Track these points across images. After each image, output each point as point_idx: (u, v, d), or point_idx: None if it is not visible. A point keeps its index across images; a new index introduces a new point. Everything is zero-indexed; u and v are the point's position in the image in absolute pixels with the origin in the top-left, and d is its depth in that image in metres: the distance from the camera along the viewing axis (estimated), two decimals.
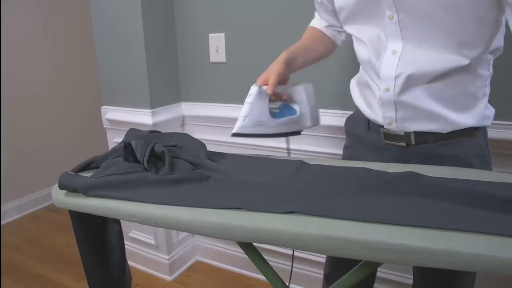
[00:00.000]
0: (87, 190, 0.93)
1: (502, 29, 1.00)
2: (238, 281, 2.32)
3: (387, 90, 1.04)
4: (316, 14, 1.37)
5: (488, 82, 1.07)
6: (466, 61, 0.97)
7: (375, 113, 1.13)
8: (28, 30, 3.23)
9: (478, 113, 1.05)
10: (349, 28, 1.16)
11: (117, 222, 1.14)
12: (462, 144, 1.07)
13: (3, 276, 2.47)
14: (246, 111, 1.12)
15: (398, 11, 0.97)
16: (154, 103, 2.12)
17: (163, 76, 2.18)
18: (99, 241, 1.12)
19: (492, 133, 1.15)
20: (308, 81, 1.26)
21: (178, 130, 2.27)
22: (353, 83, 1.29)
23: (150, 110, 2.10)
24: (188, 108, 2.29)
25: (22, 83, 3.23)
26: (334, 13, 1.22)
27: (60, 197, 0.97)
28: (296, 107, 1.23)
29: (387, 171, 0.98)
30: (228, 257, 2.40)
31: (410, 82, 1.01)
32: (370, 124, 1.19)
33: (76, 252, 1.10)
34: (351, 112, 1.33)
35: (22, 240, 2.93)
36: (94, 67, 2.47)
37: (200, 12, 2.10)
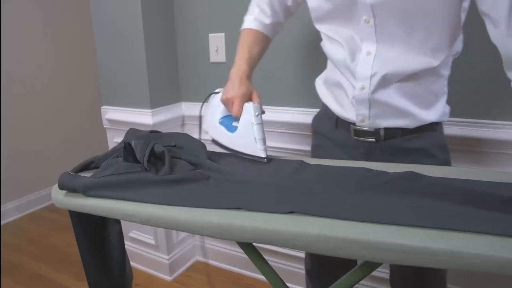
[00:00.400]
0: (87, 190, 0.93)
1: (462, 33, 1.10)
2: (238, 281, 2.32)
3: (363, 88, 1.08)
4: (255, 12, 1.33)
5: (447, 82, 1.15)
6: (435, 63, 1.04)
7: (347, 111, 1.17)
8: (28, 30, 3.23)
9: (439, 110, 1.13)
10: (320, 27, 1.19)
11: (117, 222, 1.14)
12: (425, 138, 1.14)
13: (3, 276, 2.47)
14: (262, 133, 1.11)
15: (375, 16, 1.01)
16: (154, 103, 2.12)
17: (163, 76, 2.18)
18: (99, 241, 1.12)
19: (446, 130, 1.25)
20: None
21: (178, 130, 2.27)
22: (319, 82, 1.32)
23: (150, 110, 2.10)
24: (188, 108, 2.29)
25: (22, 83, 3.23)
26: (288, 10, 1.31)
27: (60, 197, 0.97)
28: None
29: (387, 171, 0.98)
30: (228, 257, 2.40)
31: (384, 81, 1.06)
32: (338, 122, 1.23)
33: (76, 252, 1.10)
34: (316, 110, 1.37)
35: (22, 240, 2.93)
36: (94, 67, 2.47)
37: (200, 12, 2.10)
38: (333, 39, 1.14)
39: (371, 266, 0.84)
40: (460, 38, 1.11)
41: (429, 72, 1.07)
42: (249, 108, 1.10)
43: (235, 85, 1.16)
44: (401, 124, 1.11)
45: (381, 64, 1.05)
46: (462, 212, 0.75)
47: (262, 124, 1.10)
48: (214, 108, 1.22)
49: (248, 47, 1.28)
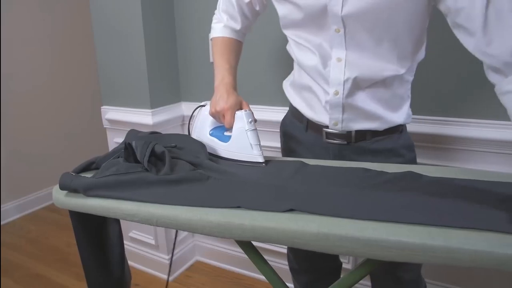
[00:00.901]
0: (87, 190, 0.93)
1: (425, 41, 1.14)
2: (238, 281, 2.33)
3: (336, 93, 1.12)
4: (224, 19, 1.33)
5: (410, 86, 1.19)
6: (402, 71, 1.10)
7: (318, 114, 1.20)
8: (28, 30, 3.23)
9: (405, 112, 1.19)
10: (288, 33, 1.21)
11: (117, 222, 1.14)
12: (393, 139, 1.20)
13: (3, 276, 2.47)
14: (257, 138, 1.12)
15: (345, 26, 1.04)
16: (154, 103, 2.12)
17: (163, 76, 2.19)
18: (99, 241, 1.12)
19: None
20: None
21: (178, 130, 2.28)
22: (286, 85, 1.35)
23: (150, 110, 2.10)
24: (188, 108, 2.29)
25: (22, 83, 3.23)
26: (256, 13, 1.34)
27: (60, 197, 0.97)
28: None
29: (386, 171, 0.98)
30: (228, 257, 2.40)
31: (356, 85, 1.10)
32: (309, 125, 1.26)
33: (76, 252, 1.10)
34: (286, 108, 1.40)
35: (22, 240, 2.93)
36: (94, 67, 2.47)
37: (200, 12, 2.11)
38: (303, 46, 1.16)
39: (371, 265, 0.84)
40: (424, 46, 1.15)
41: (396, 78, 1.12)
42: (242, 116, 1.12)
43: (223, 96, 1.16)
44: (371, 127, 1.16)
45: (352, 69, 1.08)
46: (460, 209, 0.75)
47: (256, 130, 1.12)
48: (202, 121, 1.24)
49: (226, 56, 1.29)
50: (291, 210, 0.80)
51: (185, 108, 2.30)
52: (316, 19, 1.07)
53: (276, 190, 0.90)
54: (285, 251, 2.10)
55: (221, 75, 1.24)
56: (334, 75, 1.10)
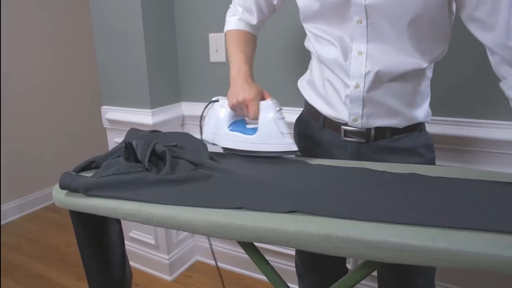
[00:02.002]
0: (88, 190, 0.93)
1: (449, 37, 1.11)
2: (238, 281, 2.32)
3: (357, 87, 1.09)
4: (239, 12, 1.30)
5: (429, 83, 1.18)
6: (424, 65, 1.07)
7: (338, 111, 1.16)
8: (28, 30, 3.23)
9: (425, 110, 1.17)
10: (308, 26, 1.18)
11: (117, 222, 1.14)
12: (412, 138, 1.17)
13: (3, 276, 2.46)
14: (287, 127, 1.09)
15: (368, 17, 1.02)
16: (154, 103, 2.12)
17: (163, 76, 2.19)
18: (100, 241, 1.12)
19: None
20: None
21: (178, 130, 2.28)
22: (302, 84, 1.32)
23: (150, 110, 2.10)
24: (188, 108, 2.29)
25: (22, 83, 3.23)
26: (273, 8, 1.31)
27: (61, 197, 0.97)
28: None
29: (389, 171, 0.98)
30: (228, 257, 2.40)
31: (378, 79, 1.07)
32: (325, 123, 1.23)
33: (76, 252, 1.10)
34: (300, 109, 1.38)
35: (22, 240, 2.93)
36: (94, 67, 2.47)
37: (200, 12, 2.10)
38: (323, 38, 1.13)
39: (371, 266, 0.84)
40: (447, 41, 1.12)
41: (418, 73, 1.10)
42: (269, 105, 1.09)
43: (244, 87, 1.12)
44: (391, 124, 1.13)
45: (374, 62, 1.06)
46: (463, 210, 0.75)
47: (284, 118, 1.09)
48: (217, 117, 1.18)
49: (241, 48, 1.26)
50: (292, 211, 0.80)
51: (185, 108, 2.30)
52: (338, 9, 1.05)
53: (278, 190, 0.90)
54: (286, 251, 2.11)
55: (237, 66, 1.19)
56: (355, 68, 1.08)
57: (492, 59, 0.99)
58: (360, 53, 1.06)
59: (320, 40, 1.15)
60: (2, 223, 3.15)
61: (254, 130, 1.11)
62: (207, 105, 1.22)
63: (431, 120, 1.23)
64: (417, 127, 1.18)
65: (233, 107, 1.14)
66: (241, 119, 1.17)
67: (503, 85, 0.98)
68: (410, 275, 1.25)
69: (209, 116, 1.21)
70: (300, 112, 1.39)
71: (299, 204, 0.81)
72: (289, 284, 1.02)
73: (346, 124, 1.16)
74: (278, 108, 1.09)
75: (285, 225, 0.75)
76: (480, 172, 0.98)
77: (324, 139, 1.24)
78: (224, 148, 1.17)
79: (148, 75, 2.07)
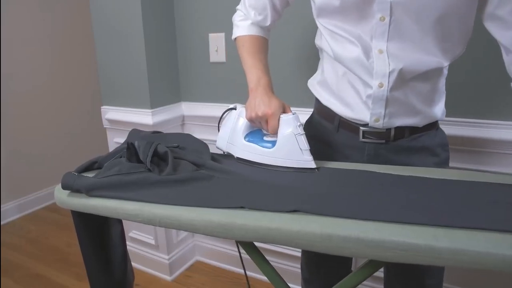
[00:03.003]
0: (90, 191, 0.93)
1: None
2: (238, 281, 2.33)
3: (381, 86, 1.06)
4: (251, 15, 1.26)
5: (445, 81, 1.16)
6: (445, 64, 1.06)
7: (356, 112, 1.13)
8: (28, 30, 3.23)
9: (442, 107, 1.16)
10: (324, 23, 1.14)
11: (119, 222, 1.14)
12: (429, 137, 1.16)
13: (3, 276, 2.46)
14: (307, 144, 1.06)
15: (392, 14, 0.99)
16: (154, 103, 2.12)
17: (163, 76, 2.19)
18: (101, 241, 1.12)
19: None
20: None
21: (178, 130, 2.28)
22: (313, 83, 1.28)
23: (150, 110, 2.10)
24: (188, 108, 2.29)
25: (22, 83, 3.23)
26: (287, 4, 1.27)
27: (63, 197, 0.97)
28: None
29: (391, 173, 0.98)
30: (228, 257, 2.40)
31: (401, 77, 1.05)
32: (341, 124, 1.19)
33: (76, 252, 1.11)
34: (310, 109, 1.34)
35: (22, 240, 2.93)
36: (94, 67, 2.47)
37: (200, 12, 2.10)
38: (340, 36, 1.10)
39: (374, 266, 0.84)
40: (468, 40, 1.09)
41: (437, 72, 1.08)
42: (289, 120, 1.05)
43: (264, 100, 1.08)
44: (411, 123, 1.11)
45: (396, 61, 1.03)
46: (465, 210, 0.75)
47: (304, 134, 1.05)
48: (235, 126, 1.15)
49: (258, 56, 1.22)
50: (294, 211, 0.80)
51: (185, 108, 2.30)
52: (360, 6, 1.01)
53: (279, 190, 0.90)
54: (287, 252, 2.11)
55: (257, 77, 1.15)
56: (378, 67, 1.04)
57: (507, 59, 0.98)
58: (380, 51, 1.04)
59: (337, 38, 1.11)
60: (2, 223, 3.15)
61: (272, 143, 1.08)
62: (224, 112, 1.20)
63: (444, 120, 1.22)
64: (434, 125, 1.17)
65: (251, 120, 1.11)
66: (258, 129, 1.14)
67: None
68: (417, 275, 1.23)
69: (225, 124, 1.18)
70: (311, 112, 1.35)
71: (301, 204, 0.81)
72: (289, 285, 1.02)
73: (365, 125, 1.13)
74: (298, 123, 1.05)
75: (287, 225, 0.76)
76: (481, 174, 0.98)
77: (338, 140, 1.21)
78: (238, 158, 1.13)
79: (148, 75, 2.07)
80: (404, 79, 1.05)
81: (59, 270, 2.52)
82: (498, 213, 0.73)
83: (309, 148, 1.04)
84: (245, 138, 1.13)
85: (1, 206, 3.17)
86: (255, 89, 1.12)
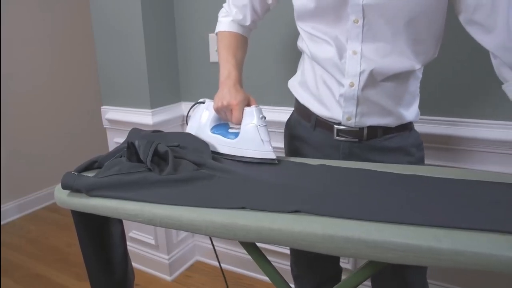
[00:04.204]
0: (90, 191, 0.93)
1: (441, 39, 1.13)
2: (238, 281, 2.32)
3: (352, 85, 1.10)
4: (232, 12, 1.30)
5: (419, 83, 1.20)
6: (417, 66, 1.09)
7: (331, 110, 1.17)
8: (28, 30, 3.22)
9: (415, 110, 1.20)
10: (303, 25, 1.18)
11: (119, 222, 1.14)
12: (403, 137, 1.19)
13: (3, 276, 2.46)
14: (268, 135, 1.10)
15: (365, 16, 1.02)
16: (154, 103, 2.12)
17: (163, 76, 2.18)
18: (102, 241, 1.12)
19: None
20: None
21: (178, 130, 2.27)
22: (293, 84, 1.32)
23: (150, 110, 2.10)
24: (188, 108, 2.27)
25: (22, 83, 3.23)
26: (268, 8, 1.31)
27: (63, 197, 0.97)
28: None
29: (391, 171, 0.98)
30: (228, 257, 2.40)
31: (372, 78, 1.08)
32: (317, 123, 1.23)
33: (76, 252, 1.11)
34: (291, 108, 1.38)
35: (22, 240, 2.92)
36: (94, 67, 2.47)
37: (200, 12, 2.10)
38: (318, 37, 1.14)
39: (374, 266, 0.84)
40: (439, 43, 1.13)
41: (411, 74, 1.12)
42: (252, 112, 1.10)
43: (231, 91, 1.14)
44: (383, 123, 1.15)
45: (368, 62, 1.07)
46: (466, 210, 0.75)
47: (266, 126, 1.10)
48: (201, 118, 1.20)
49: (233, 52, 1.27)
50: (295, 211, 0.80)
51: (185, 108, 2.29)
52: (334, 8, 1.05)
53: (281, 191, 0.90)
54: (286, 251, 2.11)
55: (227, 70, 1.21)
56: (350, 67, 1.08)
57: (494, 62, 0.99)
58: (354, 52, 1.07)
59: (315, 39, 1.15)
60: (2, 223, 3.15)
61: (236, 134, 1.12)
62: (193, 105, 1.25)
63: (420, 119, 1.26)
64: (408, 127, 1.20)
65: (217, 110, 1.16)
66: (225, 123, 1.19)
67: (505, 88, 0.98)
68: (402, 272, 1.26)
69: (194, 117, 1.23)
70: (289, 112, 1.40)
71: (303, 204, 0.81)
72: (291, 285, 1.02)
73: (339, 124, 1.17)
74: (261, 115, 1.10)
75: (289, 226, 0.75)
76: (481, 173, 0.98)
77: (315, 139, 1.25)
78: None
79: (148, 75, 2.07)
80: (375, 79, 1.09)
81: (59, 270, 2.52)
82: (499, 213, 0.73)
83: (270, 139, 1.09)
84: (211, 130, 1.18)
85: (1, 206, 3.17)
86: (224, 82, 1.19)
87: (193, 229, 0.83)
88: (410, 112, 1.17)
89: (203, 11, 2.09)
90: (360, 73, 1.08)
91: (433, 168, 1.03)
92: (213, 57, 2.13)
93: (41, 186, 3.45)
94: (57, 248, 2.79)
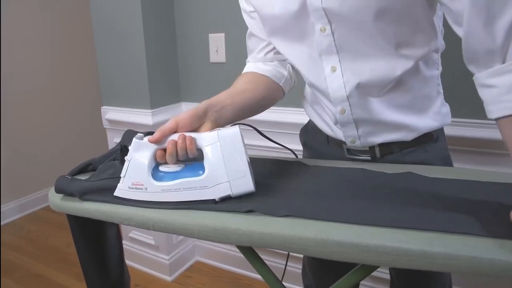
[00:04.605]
0: (83, 194, 0.92)
1: (441, 29, 0.99)
2: (238, 281, 2.32)
3: (343, 112, 1.00)
4: (248, 58, 1.21)
5: (439, 80, 1.05)
6: (410, 64, 0.92)
7: (335, 131, 1.08)
8: (28, 30, 3.23)
9: (435, 112, 1.03)
10: (277, 47, 1.06)
11: (115, 224, 1.14)
12: (426, 150, 1.06)
13: (3, 276, 2.47)
14: (123, 170, 0.88)
15: (331, 21, 0.90)
16: (154, 103, 2.12)
17: (163, 76, 2.18)
18: (97, 243, 1.12)
19: (448, 130, 1.15)
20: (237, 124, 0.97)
21: None
22: (304, 97, 1.23)
23: (150, 110, 2.10)
24: (188, 108, 2.27)
25: (22, 83, 3.24)
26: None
27: (57, 200, 0.96)
28: (206, 165, 0.86)
29: (385, 171, 0.97)
30: (228, 258, 2.40)
31: (364, 96, 0.96)
32: (329, 139, 1.15)
33: (76, 252, 1.10)
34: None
35: (22, 240, 2.93)
36: (94, 67, 2.47)
37: (200, 12, 2.10)
38: (293, 64, 1.05)
39: (368, 268, 0.83)
40: (439, 34, 0.98)
41: (411, 77, 0.96)
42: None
43: None
44: (396, 138, 1.02)
45: (353, 78, 0.95)
46: (459, 214, 0.74)
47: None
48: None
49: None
50: (286, 215, 0.79)
51: (185, 108, 2.29)
52: (297, 18, 0.93)
53: (273, 193, 0.89)
54: (284, 251, 2.10)
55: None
56: (334, 92, 0.97)
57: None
58: (333, 69, 0.95)
59: (295, 66, 1.05)
60: (2, 223, 3.15)
61: (178, 174, 0.88)
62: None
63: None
64: (431, 137, 1.05)
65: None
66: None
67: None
68: (425, 283, 1.18)
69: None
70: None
71: (294, 209, 0.80)
72: (287, 284, 1.01)
73: (346, 143, 1.08)
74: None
75: (281, 229, 0.75)
76: (477, 172, 0.97)
77: (330, 153, 1.15)
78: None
79: (148, 75, 2.06)
80: (370, 95, 0.97)
81: (59, 270, 2.52)
82: (492, 218, 0.72)
83: (124, 175, 0.88)
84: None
85: (1, 206, 3.18)
86: None
87: (186, 233, 0.82)
88: (427, 119, 1.02)
89: (203, 11, 2.09)
90: (348, 97, 0.97)
91: (427, 167, 1.01)
92: (213, 57, 2.13)
93: (41, 186, 3.46)
94: (57, 248, 2.80)
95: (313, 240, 0.72)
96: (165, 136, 0.87)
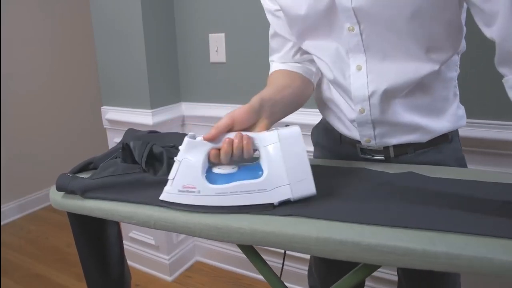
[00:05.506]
0: (84, 192, 0.92)
1: (464, 29, 0.96)
2: (238, 281, 2.32)
3: (362, 111, 0.98)
4: (273, 57, 1.16)
5: (456, 82, 1.04)
6: (436, 67, 0.91)
7: (350, 130, 1.07)
8: (28, 30, 3.23)
9: (452, 114, 1.02)
10: (304, 45, 1.05)
11: (116, 223, 1.14)
12: (441, 151, 1.05)
13: (3, 276, 2.46)
14: (172, 171, 0.83)
15: (360, 22, 0.88)
16: (154, 103, 2.12)
17: (163, 76, 2.18)
18: (98, 242, 1.12)
19: (462, 131, 1.14)
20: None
21: (178, 130, 2.27)
22: (318, 97, 1.20)
23: (150, 110, 2.10)
24: (188, 108, 2.28)
25: (22, 83, 3.24)
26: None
27: (58, 198, 0.96)
28: (264, 166, 0.82)
29: (387, 171, 0.97)
30: (228, 257, 2.39)
31: (385, 98, 0.95)
32: (342, 138, 1.14)
33: (76, 252, 1.10)
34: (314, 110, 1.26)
35: (22, 240, 2.93)
36: (94, 67, 2.47)
37: (200, 12, 2.10)
38: (319, 59, 1.02)
39: (370, 268, 0.83)
40: (462, 33, 0.95)
41: (433, 79, 0.95)
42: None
43: None
44: (411, 139, 1.02)
45: (377, 80, 0.94)
46: (462, 214, 0.74)
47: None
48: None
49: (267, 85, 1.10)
50: (289, 215, 0.79)
51: (185, 108, 2.29)
52: (326, 15, 0.92)
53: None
54: (288, 252, 2.10)
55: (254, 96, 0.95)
56: (355, 90, 0.95)
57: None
58: (359, 68, 0.94)
59: (318, 60, 1.03)
60: (2, 223, 3.15)
61: (234, 176, 0.84)
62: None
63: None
64: (445, 138, 1.05)
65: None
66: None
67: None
68: (433, 284, 1.16)
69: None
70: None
71: (297, 208, 0.80)
72: (288, 284, 1.01)
73: (360, 143, 1.07)
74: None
75: (283, 228, 0.75)
76: (479, 172, 0.97)
77: (343, 153, 1.14)
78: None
79: (148, 75, 2.06)
80: (391, 97, 0.96)
81: (59, 270, 2.52)
82: (494, 218, 0.72)
83: (173, 177, 0.83)
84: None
85: (1, 206, 3.17)
86: None
87: (188, 231, 0.82)
88: (443, 121, 1.01)
89: (203, 11, 2.09)
90: (369, 97, 0.95)
91: (429, 166, 1.01)
92: (213, 57, 2.12)
93: (41, 186, 3.46)
94: (57, 248, 2.79)
95: (315, 239, 0.72)
96: (221, 133, 0.83)
